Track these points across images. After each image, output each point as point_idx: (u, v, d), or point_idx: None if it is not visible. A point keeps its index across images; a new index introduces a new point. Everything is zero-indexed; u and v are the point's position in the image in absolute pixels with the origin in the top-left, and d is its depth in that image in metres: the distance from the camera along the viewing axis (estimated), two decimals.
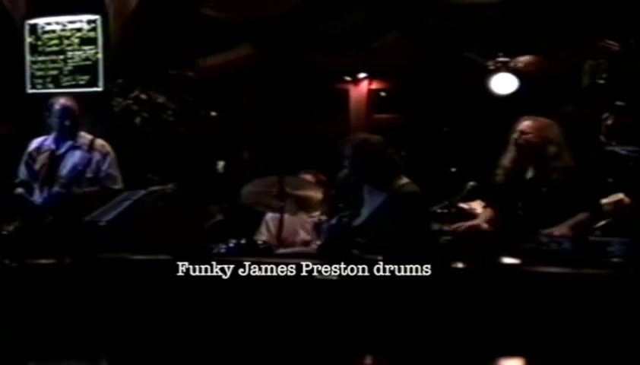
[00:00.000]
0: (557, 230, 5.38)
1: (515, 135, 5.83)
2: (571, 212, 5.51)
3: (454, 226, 5.95)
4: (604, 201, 5.72)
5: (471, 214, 6.33)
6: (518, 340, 4.68)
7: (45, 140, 6.90)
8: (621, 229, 5.31)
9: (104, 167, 6.79)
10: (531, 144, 5.77)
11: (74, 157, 6.76)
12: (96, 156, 6.78)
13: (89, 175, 6.73)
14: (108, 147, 6.87)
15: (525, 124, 5.84)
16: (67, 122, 6.79)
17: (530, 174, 5.79)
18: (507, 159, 5.87)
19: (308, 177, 7.10)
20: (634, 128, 6.54)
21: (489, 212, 6.03)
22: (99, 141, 6.86)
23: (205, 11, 8.31)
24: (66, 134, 6.81)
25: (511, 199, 5.80)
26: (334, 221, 5.61)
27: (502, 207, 5.89)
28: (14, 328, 5.24)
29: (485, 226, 5.89)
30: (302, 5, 8.24)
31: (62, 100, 6.89)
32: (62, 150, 6.82)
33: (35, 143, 6.92)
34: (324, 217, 5.90)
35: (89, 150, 6.77)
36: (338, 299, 4.89)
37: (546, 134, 5.78)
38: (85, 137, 6.86)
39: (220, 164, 8.38)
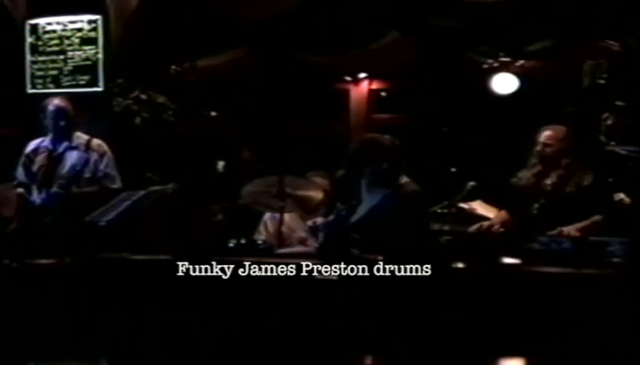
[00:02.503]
0: (569, 229, 5.46)
1: (538, 148, 5.94)
2: (588, 216, 5.60)
3: (475, 227, 6.01)
4: None
5: (477, 215, 6.36)
6: (518, 340, 4.68)
7: (42, 141, 6.90)
8: (621, 229, 5.31)
9: (102, 167, 6.78)
10: (554, 155, 5.89)
11: (72, 158, 6.76)
12: (94, 156, 6.77)
13: (87, 175, 6.73)
14: (105, 147, 6.86)
15: (546, 135, 5.95)
16: (61, 123, 6.78)
17: (551, 181, 5.87)
18: (530, 168, 5.96)
19: (318, 179, 7.08)
20: (634, 128, 6.54)
21: (503, 214, 6.07)
22: (96, 141, 6.85)
23: (205, 11, 8.31)
24: (62, 134, 6.81)
25: (532, 205, 5.87)
26: (332, 216, 5.61)
27: (521, 212, 5.95)
28: (14, 328, 5.24)
29: (500, 228, 5.95)
30: (302, 5, 8.24)
31: (56, 101, 6.87)
32: (60, 150, 6.81)
33: (32, 144, 6.91)
34: (321, 219, 5.91)
35: (86, 150, 6.76)
36: (338, 299, 4.89)
37: (566, 142, 5.91)
38: (82, 137, 6.85)
39: (220, 164, 8.38)
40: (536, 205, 5.88)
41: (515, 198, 6.05)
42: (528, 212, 5.91)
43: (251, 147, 9.52)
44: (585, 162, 5.95)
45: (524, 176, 6.03)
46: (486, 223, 6.06)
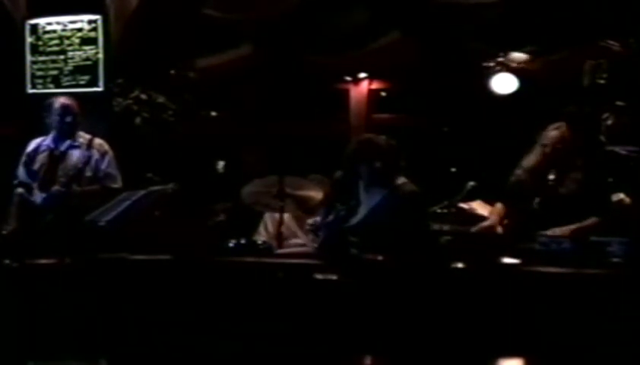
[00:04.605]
0: (562, 231, 5.45)
1: (544, 141, 5.91)
2: (587, 214, 5.59)
3: (475, 228, 6.01)
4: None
5: (477, 215, 6.35)
6: (518, 340, 4.68)
7: (43, 140, 6.92)
8: (621, 229, 5.31)
9: (103, 166, 6.80)
10: (559, 153, 5.89)
11: (74, 156, 6.78)
12: (95, 155, 6.80)
13: (88, 174, 6.75)
14: (106, 146, 6.88)
15: (553, 134, 5.95)
16: (67, 121, 6.81)
17: (552, 176, 5.86)
18: (532, 161, 5.95)
19: (317, 180, 7.09)
20: (634, 128, 6.54)
21: (499, 209, 6.05)
22: (98, 141, 6.87)
23: (205, 11, 8.32)
24: (66, 133, 6.83)
25: (532, 199, 5.87)
26: (331, 217, 5.61)
27: (520, 207, 5.94)
28: (14, 328, 5.24)
29: (499, 225, 5.95)
30: (302, 5, 8.25)
31: (62, 99, 6.92)
32: (61, 149, 6.83)
33: (33, 144, 6.93)
34: (319, 219, 5.92)
35: (87, 148, 6.79)
36: (338, 299, 4.89)
37: (571, 141, 5.90)
38: (84, 136, 6.88)
39: (220, 164, 8.38)
40: (536, 201, 5.87)
41: (517, 194, 6.02)
42: (528, 208, 5.89)
43: (251, 147, 9.52)
44: (581, 161, 5.92)
45: (526, 169, 5.98)
46: (485, 224, 6.05)
